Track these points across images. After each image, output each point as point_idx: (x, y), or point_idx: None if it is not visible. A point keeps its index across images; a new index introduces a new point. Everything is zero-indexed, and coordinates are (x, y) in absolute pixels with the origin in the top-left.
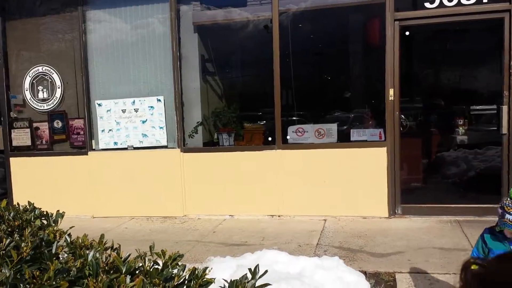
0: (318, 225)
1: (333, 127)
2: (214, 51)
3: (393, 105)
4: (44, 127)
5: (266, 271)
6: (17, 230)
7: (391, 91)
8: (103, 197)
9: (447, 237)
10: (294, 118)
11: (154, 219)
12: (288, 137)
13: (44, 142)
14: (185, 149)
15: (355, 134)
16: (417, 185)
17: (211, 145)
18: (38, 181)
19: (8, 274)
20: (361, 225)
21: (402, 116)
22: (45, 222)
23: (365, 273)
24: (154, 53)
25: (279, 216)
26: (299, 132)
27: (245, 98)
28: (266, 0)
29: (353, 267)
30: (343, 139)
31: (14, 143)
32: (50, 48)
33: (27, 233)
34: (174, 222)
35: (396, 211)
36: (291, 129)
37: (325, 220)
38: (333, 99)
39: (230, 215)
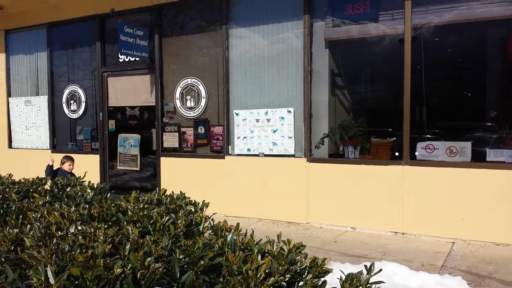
0: (445, 247)
1: (467, 145)
2: (344, 65)
3: None
4: (189, 132)
5: (380, 270)
6: (171, 212)
7: None
8: (235, 198)
9: None
10: (425, 135)
11: (279, 223)
12: (416, 153)
13: (189, 145)
14: (311, 159)
15: (492, 155)
16: None
17: (336, 156)
18: (182, 178)
19: (167, 243)
20: (493, 252)
21: None
22: (192, 209)
23: None
24: (287, 67)
25: (402, 234)
26: (429, 148)
27: (373, 113)
28: (398, 15)
29: None
30: (478, 159)
31: (165, 145)
32: (197, 62)
33: (180, 214)
34: (297, 228)
35: None
36: (420, 145)
37: (453, 243)
38: (467, 117)
39: (352, 227)
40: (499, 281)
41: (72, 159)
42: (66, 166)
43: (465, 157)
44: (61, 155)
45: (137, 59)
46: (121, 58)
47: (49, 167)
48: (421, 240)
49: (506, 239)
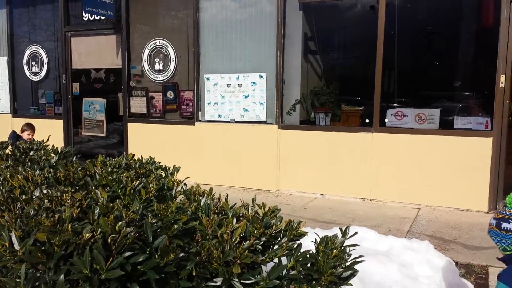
0: (411, 213)
1: (436, 112)
2: (318, 30)
3: (503, 93)
4: (158, 97)
5: (356, 233)
6: (141, 177)
7: (502, 78)
8: (205, 165)
9: None
10: (394, 102)
11: (250, 191)
12: (386, 120)
13: (157, 110)
14: (283, 125)
15: (459, 122)
16: None
17: (307, 123)
18: (150, 146)
19: (138, 207)
20: (457, 217)
21: None
22: (163, 174)
23: (456, 263)
24: (259, 31)
25: (370, 200)
26: (398, 115)
27: (345, 79)
28: None
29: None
30: (446, 126)
31: (132, 110)
32: (166, 23)
33: (151, 178)
34: (268, 195)
35: (497, 206)
36: (390, 112)
37: (419, 208)
38: (437, 84)
39: (321, 194)
40: (462, 245)
41: (33, 128)
42: (25, 135)
43: (434, 124)
44: (22, 120)
45: (102, 18)
46: (85, 17)
47: (13, 133)
48: (388, 206)
49: (470, 205)
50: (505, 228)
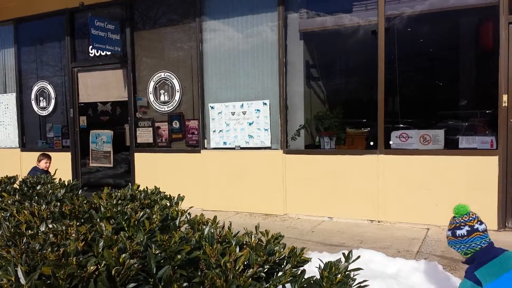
0: (420, 234)
1: (440, 133)
2: (319, 57)
3: (507, 112)
4: (164, 127)
5: (358, 257)
6: (146, 207)
7: (505, 97)
8: (212, 192)
9: None
10: (398, 124)
11: (257, 216)
12: (391, 142)
13: (163, 140)
14: (288, 150)
15: (464, 142)
16: None
17: (312, 147)
18: (157, 174)
19: (142, 238)
20: None
21: None
22: (168, 203)
23: None
24: (262, 60)
25: (378, 222)
26: (403, 137)
27: (348, 103)
28: (372, 6)
29: (454, 276)
30: (451, 146)
31: (139, 140)
32: (170, 56)
33: (156, 209)
34: (275, 219)
35: (507, 224)
36: (394, 134)
37: (427, 229)
38: (440, 105)
39: (329, 217)
40: None
41: (49, 157)
42: (42, 164)
43: (438, 144)
44: (31, 154)
45: (108, 53)
46: (91, 53)
47: (33, 169)
48: (396, 227)
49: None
50: (460, 234)
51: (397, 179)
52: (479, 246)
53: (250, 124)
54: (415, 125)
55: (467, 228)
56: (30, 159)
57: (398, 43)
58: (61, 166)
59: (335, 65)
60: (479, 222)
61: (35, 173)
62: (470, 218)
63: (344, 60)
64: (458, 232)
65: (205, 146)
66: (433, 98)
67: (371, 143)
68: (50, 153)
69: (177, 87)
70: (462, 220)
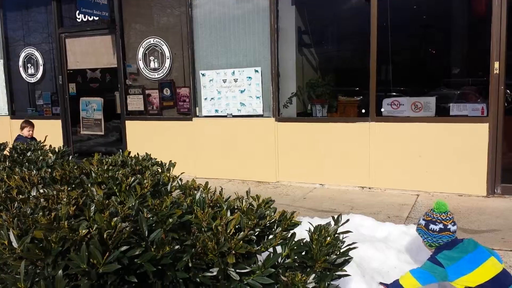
0: (410, 199)
1: (431, 100)
2: (311, 23)
3: (498, 79)
4: (155, 94)
5: (347, 220)
6: (137, 173)
7: (496, 64)
8: (204, 160)
9: None
10: (390, 91)
11: (249, 183)
12: (382, 109)
13: (155, 107)
14: (280, 118)
15: (455, 109)
16: None
17: (304, 115)
18: (149, 142)
19: (134, 203)
20: (456, 202)
21: (508, 91)
22: (159, 170)
23: None
24: (253, 26)
25: (369, 188)
26: (395, 104)
27: (340, 70)
28: None
29: None
30: (442, 114)
31: (129, 108)
32: (160, 21)
33: (147, 174)
34: (267, 187)
35: (495, 191)
36: (386, 101)
37: (417, 195)
38: (432, 73)
39: (320, 184)
40: (461, 229)
41: (31, 124)
42: (25, 132)
43: (430, 112)
44: (20, 122)
45: (96, 18)
46: (79, 18)
47: (18, 137)
48: (387, 193)
49: (468, 190)
50: (432, 229)
51: (388, 146)
52: (444, 243)
53: (241, 91)
54: (407, 93)
55: (441, 225)
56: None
57: (391, 10)
58: (51, 133)
59: (327, 32)
60: (452, 223)
61: (23, 141)
62: (447, 218)
63: (337, 27)
64: (432, 226)
65: (197, 114)
66: (425, 65)
67: (363, 111)
68: (40, 121)
69: (167, 53)
70: (439, 217)
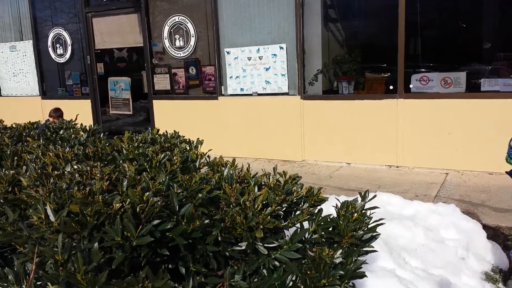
0: (439, 178)
1: (462, 75)
2: None
3: None
4: (181, 73)
5: (375, 196)
6: (167, 150)
7: None
8: (230, 139)
9: None
10: (419, 67)
11: (275, 162)
12: (411, 86)
13: (181, 87)
14: (305, 96)
15: (486, 84)
16: None
17: (330, 93)
18: (176, 121)
19: (164, 179)
20: (486, 181)
21: None
22: (187, 147)
23: (484, 225)
24: (277, 1)
25: (397, 167)
26: (423, 80)
27: (367, 46)
28: None
29: (472, 219)
30: (473, 90)
31: (156, 87)
32: None
33: (176, 151)
34: (293, 165)
35: None
36: (414, 77)
37: (447, 173)
38: (462, 47)
39: (347, 163)
40: (491, 208)
41: (61, 113)
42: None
43: (460, 87)
44: (52, 102)
45: None
46: None
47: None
48: (415, 172)
49: (500, 167)
50: None
51: (416, 124)
52: None
53: (266, 69)
54: (436, 68)
55: None
56: (51, 107)
57: None
58: (82, 113)
59: (353, 6)
60: None
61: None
62: None
63: (363, 1)
64: None
65: (222, 93)
66: (455, 40)
67: (391, 87)
68: (70, 101)
69: (192, 32)
70: None
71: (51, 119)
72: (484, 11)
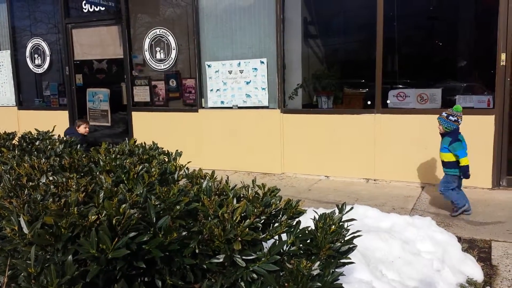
0: (415, 191)
1: (437, 92)
2: (317, 14)
3: (504, 71)
4: (161, 86)
5: (352, 208)
6: (145, 162)
7: (503, 56)
8: (210, 151)
9: None
10: (396, 83)
11: (254, 174)
12: (388, 101)
13: (160, 99)
14: (285, 110)
15: (461, 100)
16: None
17: (310, 107)
18: (155, 133)
19: (142, 190)
20: None
21: None
22: (166, 159)
23: (459, 238)
24: (259, 17)
25: (374, 180)
26: (400, 96)
27: (346, 62)
28: None
29: (447, 231)
30: (448, 105)
31: (136, 99)
32: (166, 12)
33: (154, 163)
34: (273, 178)
35: (501, 183)
36: (391, 93)
37: (423, 187)
38: (438, 64)
39: (325, 176)
40: (466, 221)
41: (87, 121)
42: (81, 129)
43: (436, 103)
44: (28, 112)
45: (102, 8)
46: (85, 8)
47: (70, 129)
48: (392, 185)
49: (474, 182)
50: (450, 119)
51: (393, 138)
52: (453, 128)
53: (247, 83)
54: (413, 85)
55: (454, 118)
56: (28, 117)
57: (397, 0)
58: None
59: (333, 23)
60: (460, 119)
61: (77, 135)
62: (459, 114)
63: (343, 18)
64: (451, 117)
65: (203, 106)
66: (431, 57)
67: (369, 103)
68: (47, 112)
69: (173, 44)
70: (457, 114)
71: (82, 127)
72: (460, 30)
